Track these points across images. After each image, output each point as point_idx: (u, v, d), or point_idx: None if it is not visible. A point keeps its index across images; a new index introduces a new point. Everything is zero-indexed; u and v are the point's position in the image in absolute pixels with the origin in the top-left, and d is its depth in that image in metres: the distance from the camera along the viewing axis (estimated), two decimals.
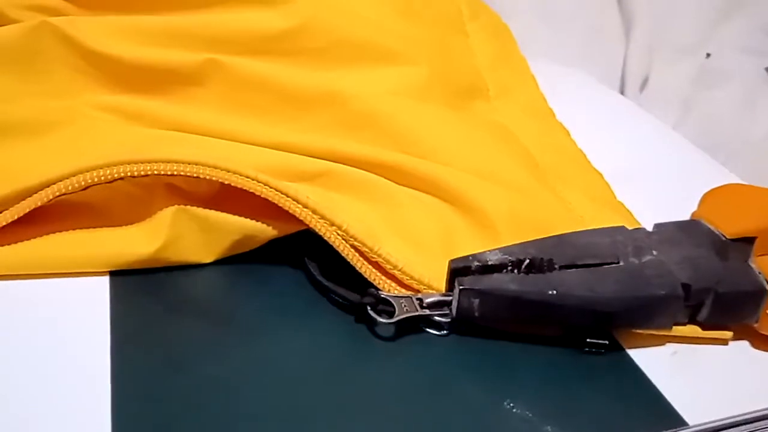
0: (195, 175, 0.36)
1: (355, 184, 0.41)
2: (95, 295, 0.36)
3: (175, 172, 0.36)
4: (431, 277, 0.37)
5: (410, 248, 0.38)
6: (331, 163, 0.41)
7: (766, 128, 0.71)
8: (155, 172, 0.36)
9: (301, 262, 0.39)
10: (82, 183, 0.35)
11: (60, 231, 0.37)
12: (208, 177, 0.36)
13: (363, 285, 0.37)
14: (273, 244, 0.39)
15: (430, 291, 0.37)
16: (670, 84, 0.76)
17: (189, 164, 0.36)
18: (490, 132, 0.49)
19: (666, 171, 0.52)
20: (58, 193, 0.35)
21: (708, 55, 0.78)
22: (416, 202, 0.41)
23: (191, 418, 0.30)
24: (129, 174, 0.36)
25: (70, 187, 0.35)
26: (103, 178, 0.35)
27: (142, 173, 0.36)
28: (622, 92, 0.74)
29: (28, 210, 0.35)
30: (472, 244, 0.38)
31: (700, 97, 0.77)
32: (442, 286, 0.37)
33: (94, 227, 0.38)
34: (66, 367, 0.32)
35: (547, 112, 0.56)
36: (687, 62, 0.78)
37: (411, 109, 0.46)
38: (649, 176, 0.51)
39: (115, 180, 0.36)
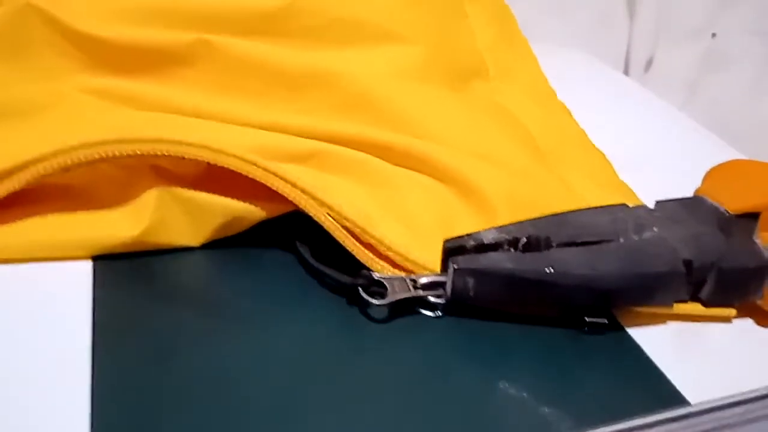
0: (180, 155, 0.35)
1: (348, 165, 0.40)
2: (77, 281, 0.35)
3: (159, 152, 0.35)
4: (427, 260, 0.36)
5: (406, 230, 0.37)
6: (324, 143, 0.40)
7: None
8: (138, 153, 0.35)
9: (292, 245, 0.37)
10: (62, 164, 0.34)
11: (41, 214, 0.36)
12: (193, 157, 0.35)
13: (356, 267, 0.35)
14: (262, 226, 0.38)
15: (425, 272, 0.35)
16: (675, 66, 0.75)
17: (173, 144, 0.35)
18: (490, 113, 0.48)
19: (671, 151, 0.51)
20: (36, 176, 0.34)
21: (713, 34, 0.77)
22: (413, 183, 0.40)
23: (177, 410, 0.29)
24: (110, 154, 0.34)
25: (49, 169, 0.34)
26: (83, 159, 0.34)
27: (124, 154, 0.34)
28: (626, 74, 0.73)
29: (6, 193, 0.34)
30: (470, 226, 0.37)
31: (706, 79, 0.76)
32: (439, 268, 0.36)
33: (77, 211, 0.37)
34: (43, 358, 0.31)
35: (549, 93, 0.55)
36: (693, 44, 0.77)
37: (408, 89, 0.45)
38: (654, 157, 0.50)
39: (96, 161, 0.35)
